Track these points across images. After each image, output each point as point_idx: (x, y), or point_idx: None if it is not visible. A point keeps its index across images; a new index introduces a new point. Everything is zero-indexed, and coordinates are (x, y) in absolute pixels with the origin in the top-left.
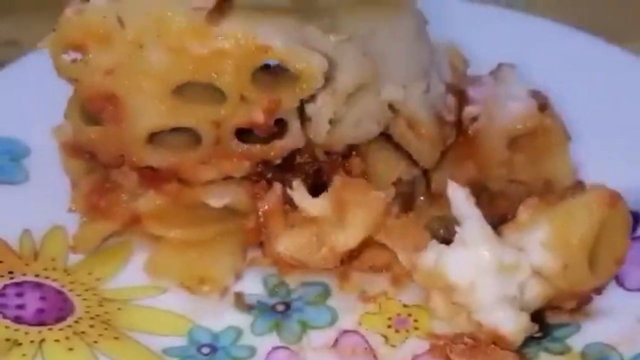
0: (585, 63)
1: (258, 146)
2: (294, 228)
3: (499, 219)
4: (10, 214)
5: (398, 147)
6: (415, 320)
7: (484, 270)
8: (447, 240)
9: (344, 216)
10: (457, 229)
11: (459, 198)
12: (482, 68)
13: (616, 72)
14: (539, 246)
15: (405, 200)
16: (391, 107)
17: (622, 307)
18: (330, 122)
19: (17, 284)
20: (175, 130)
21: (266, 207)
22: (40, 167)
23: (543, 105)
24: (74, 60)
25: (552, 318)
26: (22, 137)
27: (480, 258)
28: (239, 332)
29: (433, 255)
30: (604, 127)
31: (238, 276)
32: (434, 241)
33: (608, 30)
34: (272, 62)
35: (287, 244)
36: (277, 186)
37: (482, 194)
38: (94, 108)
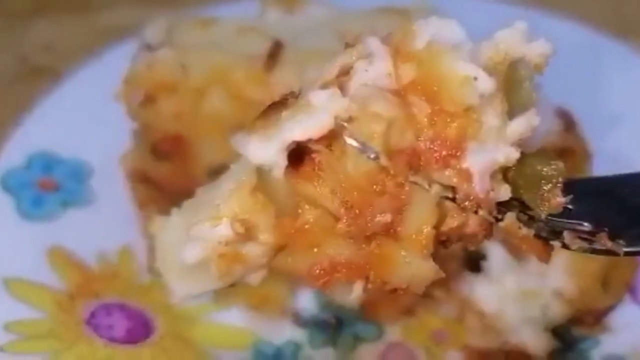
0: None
1: None
2: None
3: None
4: (85, 235)
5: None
6: (453, 334)
7: (508, 297)
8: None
9: None
10: (482, 263)
11: None
12: None
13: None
14: (561, 271)
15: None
16: None
17: (636, 322)
18: None
19: (106, 305)
20: None
21: None
22: (106, 187)
23: (569, 124)
24: (144, 106)
25: (573, 332)
26: (86, 157)
27: (504, 287)
28: (297, 346)
29: (465, 284)
30: (621, 140)
31: (294, 295)
32: (466, 272)
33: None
34: None
35: None
36: None
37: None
38: (162, 149)
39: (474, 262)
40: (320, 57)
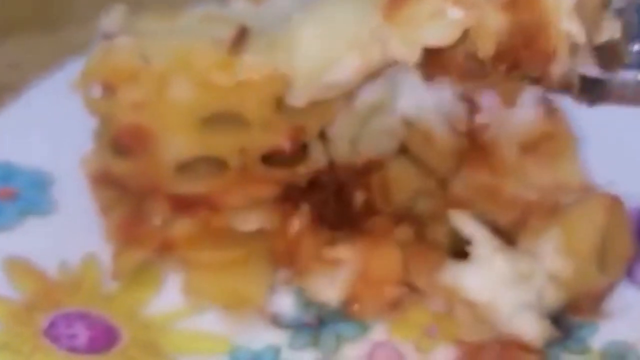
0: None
1: (284, 170)
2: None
3: (514, 222)
4: (45, 244)
5: (415, 159)
6: (443, 328)
7: (500, 284)
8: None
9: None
10: (468, 249)
11: (463, 221)
12: None
13: None
14: (552, 252)
15: (422, 218)
16: (406, 122)
17: (636, 304)
18: (349, 141)
19: (66, 315)
20: (203, 158)
21: (294, 227)
22: (68, 195)
23: (550, 110)
24: (102, 97)
25: (571, 319)
26: (47, 166)
27: (495, 273)
28: (277, 349)
29: (451, 273)
30: (611, 128)
31: (271, 295)
32: (451, 260)
33: None
34: None
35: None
36: (304, 206)
37: (496, 200)
38: (123, 142)
39: (459, 249)
40: (289, 43)
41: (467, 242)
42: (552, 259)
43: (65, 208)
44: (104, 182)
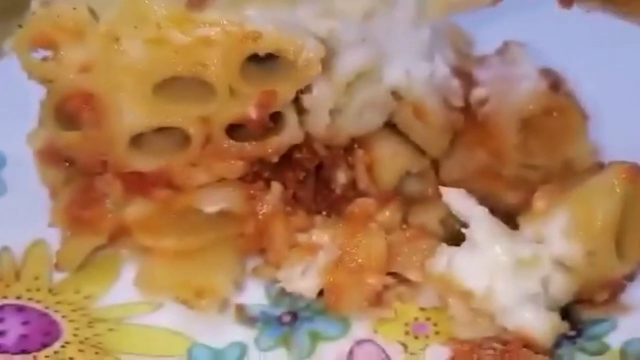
0: (599, 38)
1: (253, 143)
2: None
3: (516, 206)
4: None
5: (404, 136)
6: (435, 325)
7: (500, 271)
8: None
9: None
10: (464, 231)
11: (457, 200)
12: (486, 47)
13: (633, 47)
14: (559, 235)
15: (411, 201)
16: (395, 94)
17: None
18: (330, 113)
19: None
20: (162, 130)
21: (265, 209)
22: (18, 178)
23: (555, 83)
24: (45, 59)
25: (585, 314)
26: None
27: (494, 258)
28: (243, 349)
29: (444, 259)
30: (622, 104)
31: (238, 287)
32: (443, 245)
33: None
34: (263, 50)
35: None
36: (276, 186)
37: (496, 182)
38: (70, 110)
39: (453, 232)
40: None
41: (462, 224)
42: (559, 242)
43: (14, 190)
44: (52, 158)
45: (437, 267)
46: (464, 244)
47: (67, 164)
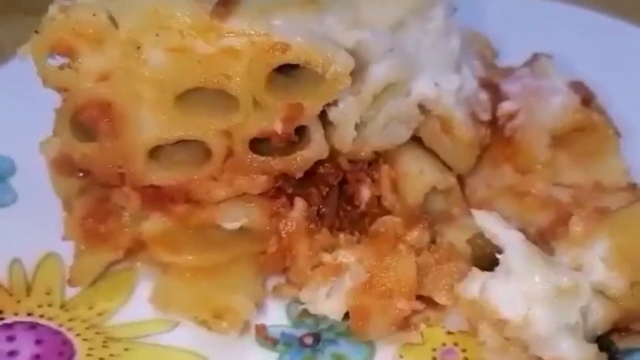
0: (630, 52)
1: (277, 158)
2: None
3: (548, 228)
4: None
5: (430, 151)
6: (464, 350)
7: (538, 299)
8: (494, 260)
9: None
10: (498, 257)
11: (491, 223)
12: (511, 59)
13: None
14: (600, 263)
15: (437, 219)
16: (422, 107)
17: None
18: (355, 126)
19: (8, 326)
20: (182, 143)
21: (289, 227)
22: (30, 187)
23: (587, 98)
24: (62, 66)
25: (621, 342)
26: (8, 153)
27: (532, 286)
28: None
29: (476, 285)
30: None
31: (258, 306)
32: (475, 269)
33: None
34: (290, 62)
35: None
36: (300, 203)
37: (525, 201)
38: (86, 120)
39: (485, 256)
40: (284, 3)
41: (495, 249)
42: (600, 271)
43: (25, 199)
44: (66, 168)
45: (469, 292)
46: (497, 269)
47: (82, 175)
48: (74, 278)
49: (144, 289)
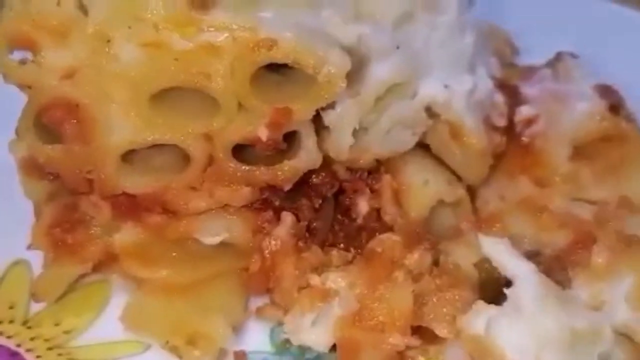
0: None
1: (262, 168)
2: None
3: (565, 250)
4: None
5: (438, 160)
6: None
7: (550, 344)
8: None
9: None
10: (506, 291)
11: (499, 252)
12: (532, 57)
13: None
14: (624, 302)
15: (443, 236)
16: (429, 111)
17: None
18: (354, 132)
19: None
20: (158, 148)
21: (274, 245)
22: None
23: (615, 104)
24: (23, 61)
25: None
26: None
27: (543, 329)
28: None
29: (481, 319)
30: None
31: (238, 330)
32: (481, 303)
33: None
34: (277, 61)
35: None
36: (288, 218)
37: (542, 218)
38: (51, 121)
39: (494, 288)
40: None
41: (504, 280)
42: (623, 310)
43: None
44: (36, 170)
45: (473, 327)
46: (506, 305)
47: (53, 178)
48: (38, 293)
49: (118, 305)
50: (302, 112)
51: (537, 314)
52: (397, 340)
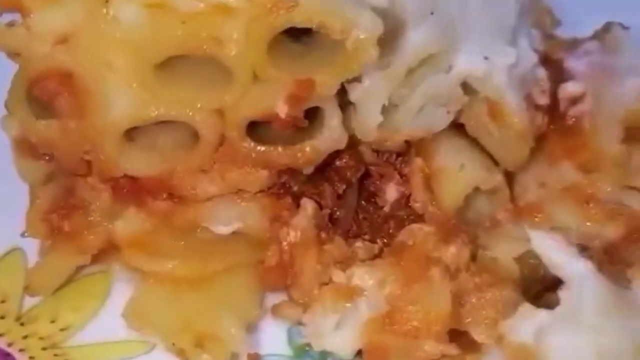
0: None
1: (280, 148)
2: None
3: (617, 244)
4: None
5: (474, 142)
6: None
7: (611, 355)
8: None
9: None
10: (560, 293)
11: (552, 249)
12: (577, 29)
13: None
14: None
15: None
16: (466, 86)
17: None
18: (383, 109)
19: None
20: (164, 126)
21: (293, 236)
22: None
23: None
24: (11, 23)
25: None
26: None
27: (605, 342)
28: None
29: (528, 325)
30: None
31: (252, 330)
32: (528, 306)
33: None
34: (299, 25)
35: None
36: (308, 205)
37: (588, 208)
38: (43, 94)
39: (538, 283)
40: None
41: (556, 279)
42: None
43: None
44: (32, 150)
45: (519, 334)
46: (558, 310)
47: (49, 158)
48: (33, 285)
49: (119, 299)
50: (326, 84)
51: (597, 325)
52: (432, 347)
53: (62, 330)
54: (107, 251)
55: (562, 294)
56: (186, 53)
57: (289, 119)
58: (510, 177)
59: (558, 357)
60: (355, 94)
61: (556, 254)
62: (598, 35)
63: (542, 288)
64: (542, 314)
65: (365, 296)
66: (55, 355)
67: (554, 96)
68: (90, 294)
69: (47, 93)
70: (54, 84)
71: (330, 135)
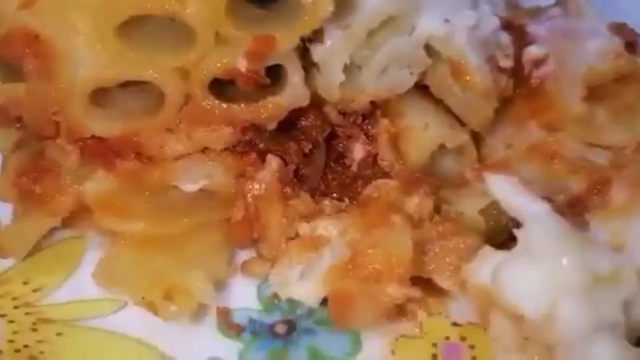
0: None
1: (243, 105)
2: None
3: (580, 196)
4: None
5: (438, 103)
6: (471, 347)
7: (566, 290)
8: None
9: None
10: (516, 232)
11: (508, 190)
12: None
13: None
14: None
15: (445, 185)
16: (429, 48)
17: None
18: (346, 69)
19: None
20: (129, 86)
21: (258, 190)
22: None
23: (631, 42)
24: None
25: None
26: None
27: (559, 273)
28: None
29: (488, 267)
30: None
31: (221, 286)
32: (488, 248)
33: None
34: None
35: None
36: (273, 160)
37: (553, 165)
38: (9, 55)
39: (499, 227)
40: None
41: (514, 222)
42: None
43: None
44: (2, 116)
45: (479, 276)
46: (515, 249)
47: (20, 125)
48: (5, 247)
49: (92, 262)
50: (284, 39)
51: (552, 257)
52: (395, 291)
53: (34, 291)
54: (81, 217)
55: (518, 233)
56: (148, 13)
57: (250, 74)
58: (478, 141)
59: (515, 292)
60: (317, 53)
61: (514, 196)
62: (560, 2)
63: (507, 237)
64: (500, 254)
65: (328, 245)
66: (27, 313)
67: (518, 60)
68: (63, 259)
69: (14, 55)
70: (20, 46)
71: (292, 91)
